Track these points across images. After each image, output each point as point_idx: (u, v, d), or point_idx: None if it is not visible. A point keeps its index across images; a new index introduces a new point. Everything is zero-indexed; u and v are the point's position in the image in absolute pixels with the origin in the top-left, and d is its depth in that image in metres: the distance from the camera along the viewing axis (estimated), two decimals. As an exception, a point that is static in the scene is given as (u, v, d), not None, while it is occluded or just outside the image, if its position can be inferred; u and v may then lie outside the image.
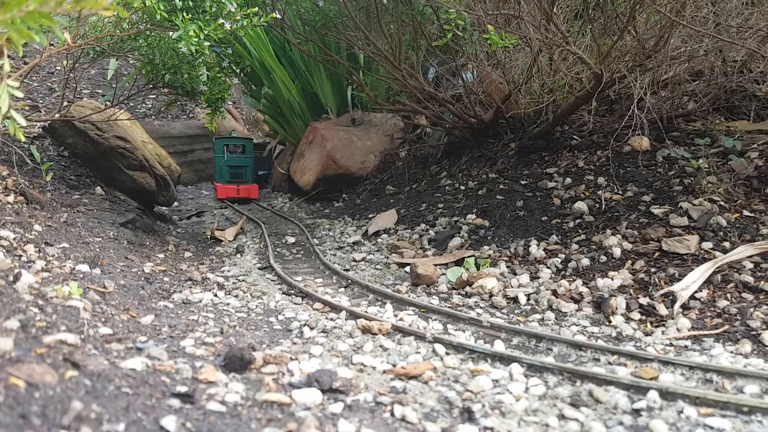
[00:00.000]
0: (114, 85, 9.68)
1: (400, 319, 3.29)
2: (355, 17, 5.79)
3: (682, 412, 2.23)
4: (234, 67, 7.62)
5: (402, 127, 7.75)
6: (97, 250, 3.96)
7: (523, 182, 5.16)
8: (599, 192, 4.59)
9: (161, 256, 4.63)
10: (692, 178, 4.33)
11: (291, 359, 2.65)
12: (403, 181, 6.59)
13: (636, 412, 2.26)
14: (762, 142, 4.49)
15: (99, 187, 5.38)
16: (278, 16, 6.26)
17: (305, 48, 7.08)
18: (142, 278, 3.79)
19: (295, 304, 3.72)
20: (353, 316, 3.38)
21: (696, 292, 3.35)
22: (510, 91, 5.28)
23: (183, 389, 2.13)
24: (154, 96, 10.28)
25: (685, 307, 3.29)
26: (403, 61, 5.75)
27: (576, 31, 4.69)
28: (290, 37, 7.12)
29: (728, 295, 3.30)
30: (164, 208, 6.92)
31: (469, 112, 5.93)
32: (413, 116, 7.47)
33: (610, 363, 2.74)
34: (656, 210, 4.15)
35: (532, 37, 4.27)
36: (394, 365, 2.67)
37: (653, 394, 2.31)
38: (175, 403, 1.99)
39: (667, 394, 2.33)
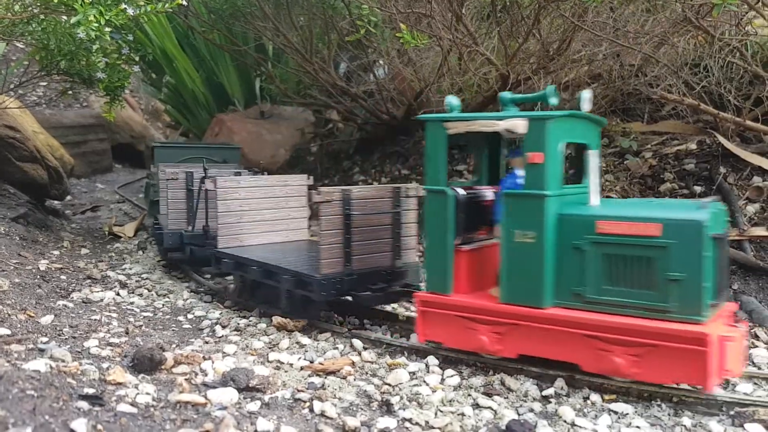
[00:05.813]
0: (2, 72, 8.99)
1: (316, 315, 3.27)
2: (264, 7, 5.67)
3: (587, 398, 2.36)
4: (133, 55, 7.25)
5: (313, 122, 7.68)
6: (-14, 246, 3.69)
7: (433, 178, 5.24)
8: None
9: (56, 252, 4.37)
10: (591, 176, 4.55)
11: (204, 359, 2.58)
12: (316, 176, 6.51)
13: (545, 399, 2.36)
14: (655, 143, 4.79)
15: (-15, 180, 5.01)
16: (184, 2, 6.00)
17: (210, 36, 6.85)
18: (38, 276, 3.56)
19: (205, 302, 3.61)
20: (267, 313, 3.32)
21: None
22: (421, 89, 5.34)
23: (91, 391, 2.02)
24: (45, 84, 9.63)
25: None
26: (314, 55, 5.69)
27: (484, 32, 4.81)
28: (195, 25, 6.87)
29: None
30: (57, 202, 6.51)
31: (381, 108, 5.96)
32: (325, 110, 7.42)
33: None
34: (559, 206, 4.34)
35: (442, 37, 4.35)
36: (312, 361, 2.65)
37: (560, 382, 2.43)
38: (84, 405, 1.89)
39: (573, 381, 2.44)
